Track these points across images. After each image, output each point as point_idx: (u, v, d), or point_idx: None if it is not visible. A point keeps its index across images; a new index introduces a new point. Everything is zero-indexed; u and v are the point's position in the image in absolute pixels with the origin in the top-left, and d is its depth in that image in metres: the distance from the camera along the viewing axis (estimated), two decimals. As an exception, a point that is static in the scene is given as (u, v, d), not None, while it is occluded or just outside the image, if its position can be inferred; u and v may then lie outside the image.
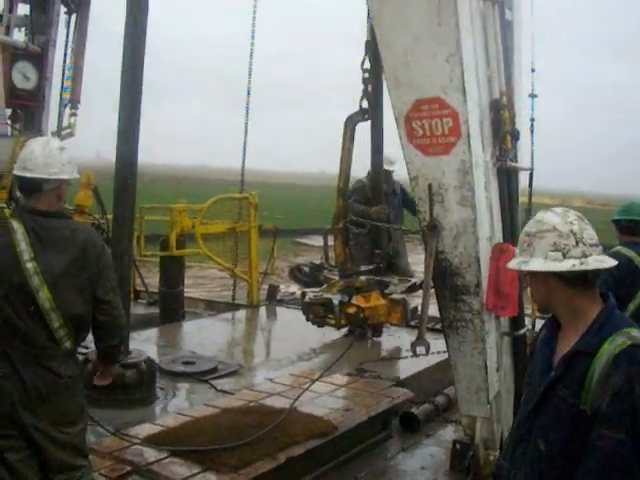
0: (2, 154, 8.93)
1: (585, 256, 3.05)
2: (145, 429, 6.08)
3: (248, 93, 13.48)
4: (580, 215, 3.16)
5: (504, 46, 5.69)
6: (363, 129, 7.58)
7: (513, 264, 3.21)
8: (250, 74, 13.43)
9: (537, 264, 3.09)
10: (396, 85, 5.36)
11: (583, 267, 3.03)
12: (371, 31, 7.11)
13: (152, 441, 5.77)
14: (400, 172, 10.28)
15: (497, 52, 5.57)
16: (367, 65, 6.01)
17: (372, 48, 6.87)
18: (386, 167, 10.07)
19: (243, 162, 13.73)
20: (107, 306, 4.60)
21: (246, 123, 13.60)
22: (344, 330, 9.08)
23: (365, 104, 6.19)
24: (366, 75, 6.06)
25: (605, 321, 3.08)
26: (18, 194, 4.76)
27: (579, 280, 3.08)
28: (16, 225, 4.35)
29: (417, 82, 5.26)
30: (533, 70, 7.43)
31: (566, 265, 3.03)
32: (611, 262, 3.11)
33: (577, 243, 3.05)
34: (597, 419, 2.91)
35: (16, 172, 4.51)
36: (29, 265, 4.29)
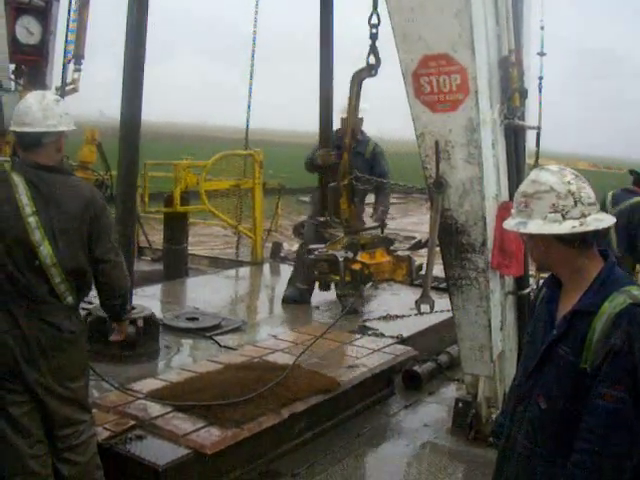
0: (7, 109, 8.90)
1: (584, 216, 3.01)
2: (149, 384, 6.10)
3: (252, 56, 13.38)
4: (576, 173, 3.11)
5: (514, 3, 5.63)
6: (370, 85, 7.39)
7: (510, 225, 3.16)
8: (254, 42, 13.34)
9: (536, 226, 3.06)
10: (404, 41, 5.29)
11: (583, 228, 2.99)
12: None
13: (156, 396, 5.79)
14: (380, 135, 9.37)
15: (506, 9, 5.51)
16: (375, 20, 5.94)
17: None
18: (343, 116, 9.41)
19: (248, 118, 13.68)
20: (107, 266, 4.57)
21: (250, 85, 13.53)
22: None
23: (372, 60, 6.12)
24: (374, 30, 5.99)
25: (605, 279, 3.07)
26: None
27: (578, 240, 3.05)
28: (17, 179, 4.33)
29: (425, 38, 5.20)
30: (542, 28, 7.36)
31: (566, 227, 2.99)
32: (610, 220, 3.08)
33: (576, 203, 3.01)
34: (598, 378, 2.92)
35: (15, 128, 4.48)
36: (31, 219, 4.28)
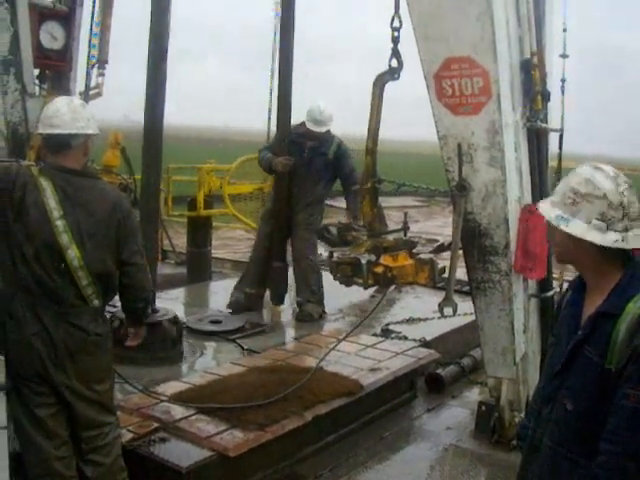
0: (32, 114, 8.97)
1: (626, 230, 2.94)
2: (172, 387, 6.13)
3: (273, 59, 13.39)
4: (630, 183, 3.02)
5: (536, 5, 5.62)
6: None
7: (551, 216, 3.07)
8: (275, 35, 13.33)
9: (579, 228, 2.98)
10: (425, 44, 5.30)
11: (623, 244, 2.94)
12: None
13: (179, 398, 5.82)
14: (341, 133, 9.10)
15: (528, 11, 5.50)
16: (396, 23, 5.96)
17: None
18: (310, 127, 8.90)
19: (269, 122, 13.72)
20: (132, 268, 4.62)
21: (271, 89, 13.55)
22: (371, 290, 9.06)
23: (394, 63, 6.15)
24: (395, 34, 6.01)
25: (630, 281, 3.03)
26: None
27: (612, 251, 3.02)
28: (45, 183, 4.36)
29: (447, 41, 5.21)
30: (565, 30, 7.33)
31: (608, 239, 2.94)
32: None
33: (623, 217, 2.95)
34: (622, 378, 2.90)
35: (43, 130, 4.51)
36: (59, 222, 4.31)
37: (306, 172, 8.92)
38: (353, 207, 9.00)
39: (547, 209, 3.12)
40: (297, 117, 8.94)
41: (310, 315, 9.00)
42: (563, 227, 3.02)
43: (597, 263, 3.08)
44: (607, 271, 3.08)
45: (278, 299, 9.19)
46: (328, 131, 9.06)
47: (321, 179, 9.09)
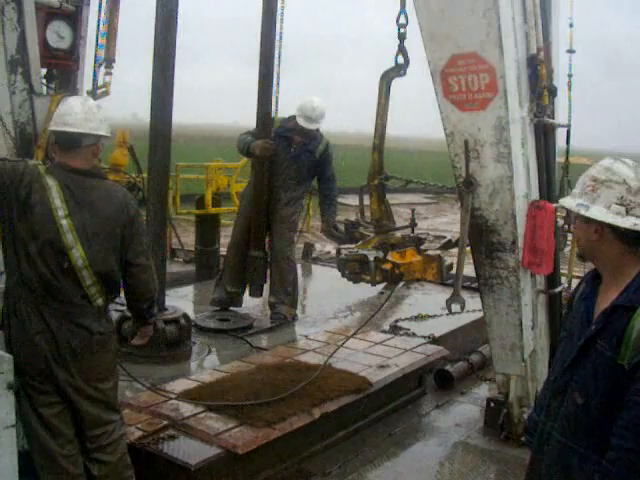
0: (39, 113, 8.98)
1: None
2: (181, 384, 6.14)
3: (279, 57, 13.31)
4: None
5: (542, 0, 5.61)
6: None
7: (571, 205, 3.12)
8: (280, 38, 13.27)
9: (599, 212, 3.02)
10: (432, 40, 5.31)
11: None
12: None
13: (188, 396, 5.83)
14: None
15: (534, 7, 5.49)
16: (402, 20, 5.97)
17: None
18: (300, 123, 8.48)
19: (275, 119, 13.67)
20: (137, 269, 4.63)
21: (277, 87, 13.45)
22: (379, 287, 9.03)
23: (401, 59, 6.16)
24: (401, 30, 6.01)
25: None
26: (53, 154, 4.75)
27: (633, 238, 3.03)
28: (51, 182, 4.35)
29: (453, 37, 5.21)
30: (571, 25, 7.32)
31: (627, 222, 2.97)
32: None
33: None
34: (635, 376, 2.89)
35: (55, 127, 4.50)
36: (64, 222, 4.30)
37: (291, 168, 8.60)
38: (329, 215, 8.82)
39: (569, 201, 3.16)
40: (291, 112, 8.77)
41: (284, 317, 8.72)
42: (583, 212, 3.06)
43: (616, 255, 3.09)
44: (625, 265, 3.08)
45: (256, 291, 8.93)
46: (318, 130, 8.73)
47: (306, 177, 8.79)
